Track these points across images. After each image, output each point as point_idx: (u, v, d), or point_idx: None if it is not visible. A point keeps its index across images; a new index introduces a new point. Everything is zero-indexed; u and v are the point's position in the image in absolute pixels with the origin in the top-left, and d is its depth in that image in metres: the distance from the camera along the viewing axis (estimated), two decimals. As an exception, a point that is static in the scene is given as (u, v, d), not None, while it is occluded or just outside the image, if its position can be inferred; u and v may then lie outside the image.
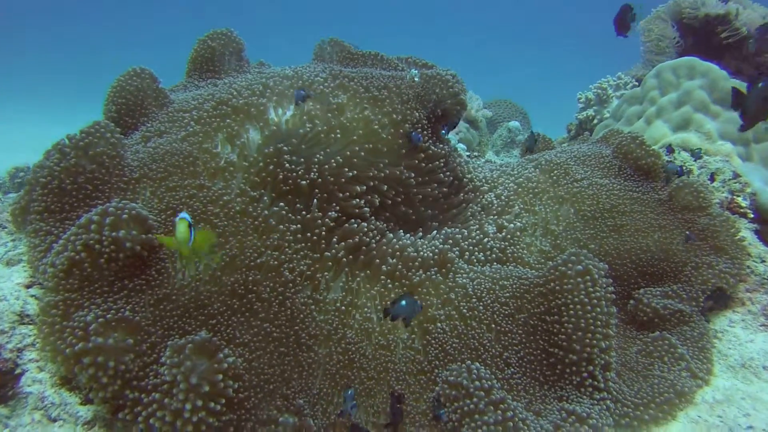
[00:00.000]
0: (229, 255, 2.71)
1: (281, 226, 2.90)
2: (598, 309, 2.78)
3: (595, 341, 2.72)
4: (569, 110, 8.46)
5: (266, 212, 2.89)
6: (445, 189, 3.64)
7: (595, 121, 7.44)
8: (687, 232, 3.53)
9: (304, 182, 3.04)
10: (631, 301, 3.42)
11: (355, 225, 3.09)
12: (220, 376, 2.23)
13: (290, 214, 2.97)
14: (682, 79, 5.07)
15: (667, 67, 5.21)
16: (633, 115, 5.31)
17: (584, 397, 2.71)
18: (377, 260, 3.05)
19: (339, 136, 3.22)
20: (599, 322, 2.76)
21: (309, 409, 2.54)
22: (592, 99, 7.96)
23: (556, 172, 3.99)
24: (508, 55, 48.85)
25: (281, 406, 2.47)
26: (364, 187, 3.23)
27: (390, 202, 3.41)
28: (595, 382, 2.73)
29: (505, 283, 3.05)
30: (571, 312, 2.78)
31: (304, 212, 3.01)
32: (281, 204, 2.96)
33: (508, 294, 3.00)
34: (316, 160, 3.12)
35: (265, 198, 2.97)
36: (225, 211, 2.83)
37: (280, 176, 3.02)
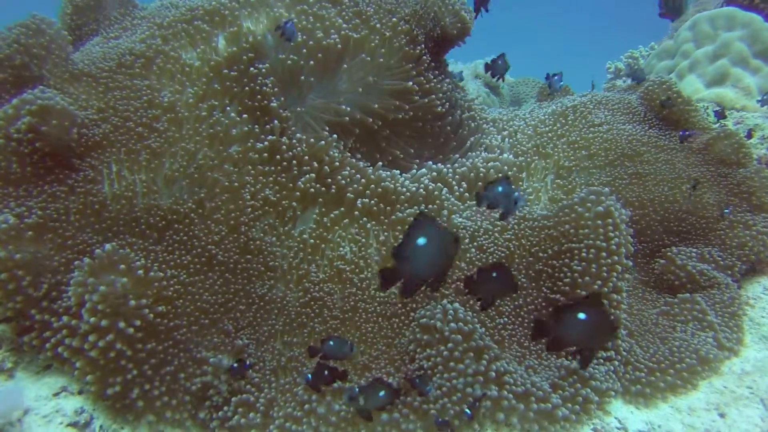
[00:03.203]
0: (175, 165, 2.29)
1: (247, 143, 2.47)
2: (616, 257, 2.33)
3: (606, 289, 2.27)
4: (598, 84, 7.93)
5: (226, 121, 2.45)
6: (439, 123, 3.18)
7: (623, 91, 6.91)
8: (726, 210, 3.04)
9: (272, 96, 2.60)
10: (661, 260, 2.96)
11: (323, 143, 2.59)
12: (119, 286, 1.82)
13: (258, 131, 2.53)
14: (720, 31, 4.53)
15: (704, 17, 4.67)
16: (663, 70, 4.79)
17: (589, 355, 2.26)
18: (353, 194, 2.60)
19: (321, 54, 2.77)
20: (615, 273, 2.31)
21: (255, 350, 2.13)
22: (623, 69, 7.41)
23: (573, 116, 3.52)
24: (533, 28, 47.70)
25: (219, 343, 2.05)
26: (348, 108, 2.80)
27: (376, 129, 2.97)
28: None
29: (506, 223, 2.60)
30: (584, 255, 2.33)
31: (271, 134, 2.56)
32: (245, 116, 2.52)
33: (508, 235, 2.56)
34: (291, 73, 2.69)
35: (229, 110, 2.53)
36: (172, 115, 2.39)
37: (247, 88, 2.57)
